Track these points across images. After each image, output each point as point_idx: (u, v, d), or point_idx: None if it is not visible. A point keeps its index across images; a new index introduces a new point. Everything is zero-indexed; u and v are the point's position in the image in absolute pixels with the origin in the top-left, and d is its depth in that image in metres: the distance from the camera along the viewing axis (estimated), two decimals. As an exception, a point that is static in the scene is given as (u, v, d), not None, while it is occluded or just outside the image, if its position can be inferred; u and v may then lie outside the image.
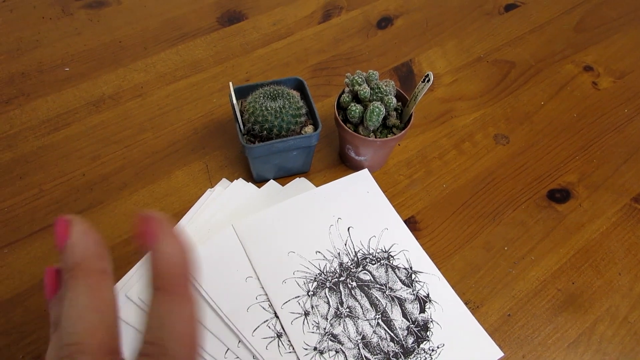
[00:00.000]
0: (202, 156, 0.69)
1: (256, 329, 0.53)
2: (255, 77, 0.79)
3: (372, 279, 0.57)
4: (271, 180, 0.66)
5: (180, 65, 0.80)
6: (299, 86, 0.66)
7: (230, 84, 0.59)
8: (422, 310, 0.55)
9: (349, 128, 0.61)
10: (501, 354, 0.54)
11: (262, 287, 0.55)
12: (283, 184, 0.66)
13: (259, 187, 0.65)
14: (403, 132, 0.61)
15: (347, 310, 0.54)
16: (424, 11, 0.92)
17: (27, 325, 0.54)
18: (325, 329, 0.53)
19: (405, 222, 0.63)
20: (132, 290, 0.55)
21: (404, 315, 0.54)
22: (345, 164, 0.69)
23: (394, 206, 0.64)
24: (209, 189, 0.65)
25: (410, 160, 0.70)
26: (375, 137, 0.61)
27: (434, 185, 0.68)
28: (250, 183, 0.65)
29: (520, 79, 0.82)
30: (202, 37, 0.84)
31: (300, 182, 0.66)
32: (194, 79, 0.78)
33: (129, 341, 0.51)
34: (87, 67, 0.79)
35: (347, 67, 0.82)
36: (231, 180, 0.66)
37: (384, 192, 0.65)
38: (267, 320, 0.53)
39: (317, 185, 0.66)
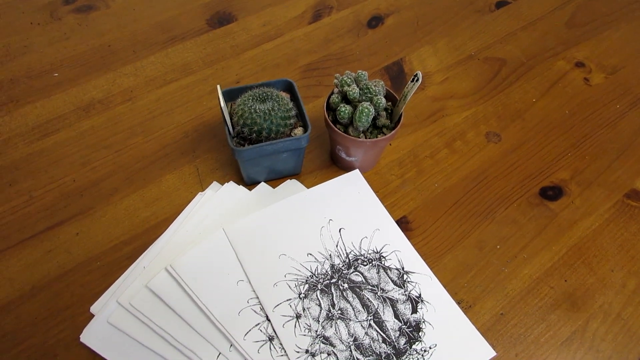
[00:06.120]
0: (193, 159, 0.69)
1: (248, 332, 0.52)
2: (246, 79, 0.79)
3: (363, 280, 0.57)
4: (262, 183, 0.66)
5: (170, 69, 0.80)
6: (289, 88, 0.65)
7: (218, 87, 0.58)
8: (414, 311, 0.55)
9: (339, 129, 0.61)
10: (494, 354, 0.54)
11: (254, 291, 0.55)
12: (274, 186, 0.66)
13: (250, 189, 0.65)
14: (393, 132, 0.60)
15: (339, 312, 0.54)
16: (414, 9, 0.92)
17: (18, 333, 0.54)
18: (317, 331, 0.53)
19: (397, 222, 0.63)
20: (123, 296, 0.55)
21: (396, 316, 0.54)
22: (337, 165, 0.69)
23: (385, 206, 0.64)
24: (200, 193, 0.65)
25: (401, 159, 0.70)
26: (365, 138, 0.61)
27: (425, 185, 0.68)
28: (241, 186, 0.65)
29: (512, 77, 0.82)
30: (191, 40, 0.84)
31: (291, 184, 0.66)
32: (184, 82, 0.78)
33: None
34: (76, 72, 0.78)
35: (338, 67, 0.82)
36: (222, 184, 0.66)
37: (375, 193, 0.65)
38: (258, 324, 0.53)
39: (308, 187, 0.65)
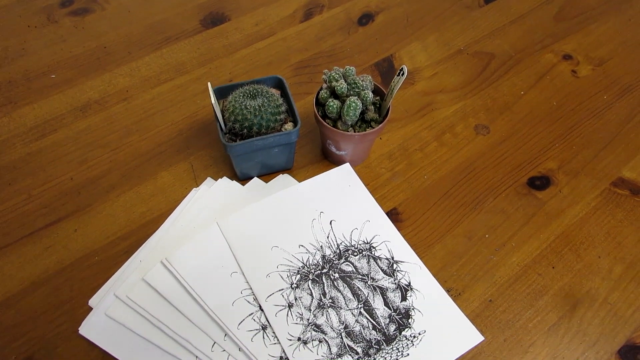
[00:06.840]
0: (187, 156, 0.70)
1: (241, 322, 0.54)
2: (239, 78, 0.80)
3: (354, 270, 0.58)
4: (255, 178, 0.67)
5: (164, 69, 0.81)
6: (279, 84, 0.67)
7: (209, 84, 0.60)
8: (404, 299, 0.56)
9: (328, 123, 0.62)
10: (482, 339, 0.55)
11: (247, 282, 0.57)
12: (267, 181, 0.67)
13: (243, 184, 0.66)
14: (381, 125, 0.62)
15: (330, 300, 0.56)
16: (404, 6, 0.93)
17: (18, 327, 0.56)
18: (308, 319, 0.54)
19: (388, 213, 0.65)
20: (120, 289, 0.56)
21: (386, 303, 0.56)
22: (328, 159, 0.70)
23: (376, 199, 0.65)
24: (194, 188, 0.66)
25: (391, 153, 0.72)
26: (354, 132, 0.62)
27: (415, 177, 0.69)
28: (234, 181, 0.67)
29: (500, 70, 0.83)
30: (185, 40, 0.86)
31: (283, 179, 0.68)
32: (178, 82, 0.80)
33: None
34: (73, 73, 0.80)
35: (329, 64, 0.83)
36: (216, 179, 0.67)
37: (366, 186, 0.66)
38: (252, 314, 0.55)
39: (300, 181, 0.67)
